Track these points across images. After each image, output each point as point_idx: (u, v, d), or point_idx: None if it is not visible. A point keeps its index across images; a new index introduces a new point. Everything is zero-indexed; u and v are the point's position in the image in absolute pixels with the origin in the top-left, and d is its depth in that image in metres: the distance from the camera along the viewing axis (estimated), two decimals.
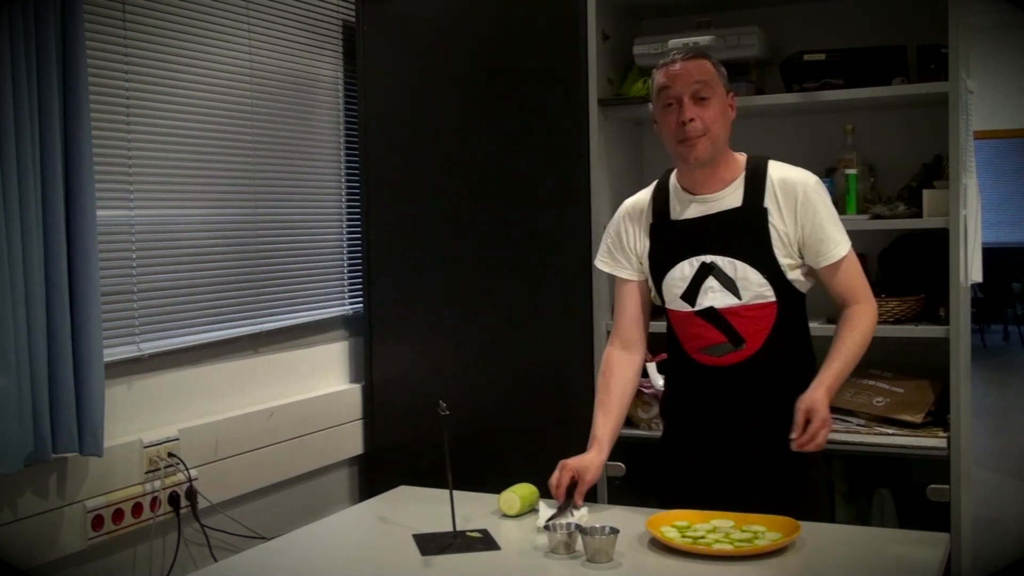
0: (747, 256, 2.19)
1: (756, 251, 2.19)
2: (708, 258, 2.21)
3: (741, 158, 2.29)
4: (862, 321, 2.22)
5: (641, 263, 2.35)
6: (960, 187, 2.90)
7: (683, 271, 2.24)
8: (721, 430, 2.28)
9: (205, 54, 2.99)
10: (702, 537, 2.02)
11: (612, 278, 2.44)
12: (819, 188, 2.23)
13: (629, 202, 2.40)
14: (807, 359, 2.31)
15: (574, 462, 2.24)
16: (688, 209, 2.27)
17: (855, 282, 2.25)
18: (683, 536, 2.03)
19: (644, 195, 2.39)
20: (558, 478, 2.21)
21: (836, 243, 2.21)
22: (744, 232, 2.20)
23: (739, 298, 2.20)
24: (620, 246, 2.37)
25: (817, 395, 2.11)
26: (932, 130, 3.05)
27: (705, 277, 2.21)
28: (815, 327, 2.40)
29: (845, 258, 2.23)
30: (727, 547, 1.97)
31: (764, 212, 2.19)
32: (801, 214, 2.19)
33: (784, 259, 2.19)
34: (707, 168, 2.23)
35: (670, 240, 2.28)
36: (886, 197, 3.15)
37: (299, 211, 3.38)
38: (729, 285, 2.20)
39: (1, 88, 2.22)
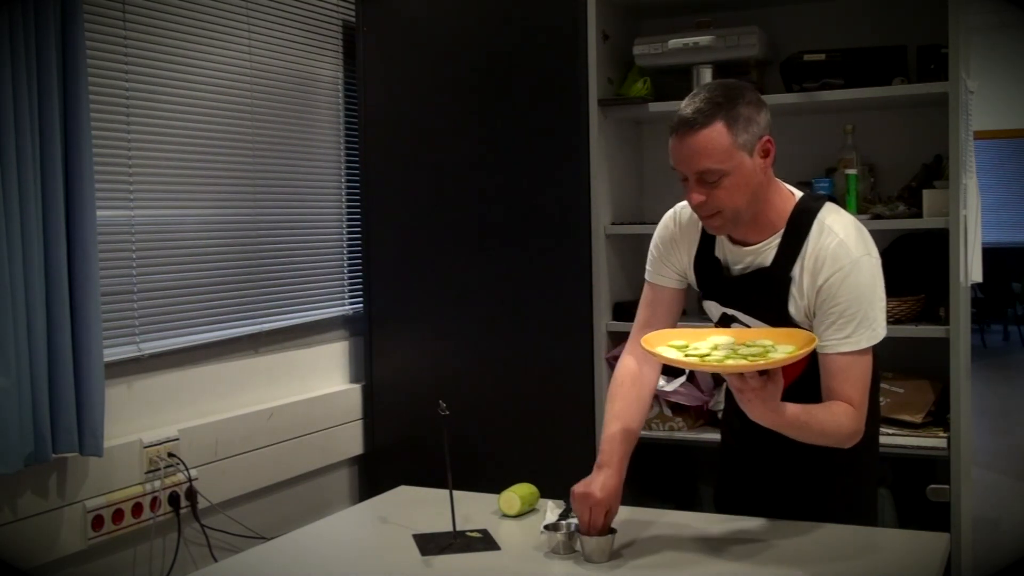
0: (765, 318, 2.05)
1: (774, 315, 2.02)
2: (730, 311, 2.11)
3: (789, 202, 2.03)
4: (844, 419, 1.93)
5: (685, 275, 2.18)
6: (960, 187, 2.90)
7: (711, 309, 2.16)
8: (747, 442, 2.23)
9: (205, 54, 2.99)
10: (707, 355, 1.80)
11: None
12: (855, 273, 1.94)
13: (686, 214, 2.14)
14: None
15: (600, 495, 1.97)
16: (727, 254, 2.10)
17: (845, 390, 1.94)
18: (687, 356, 1.80)
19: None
20: (590, 518, 1.95)
21: (844, 337, 1.94)
22: (764, 295, 2.04)
23: None
24: (667, 257, 2.18)
25: (773, 405, 1.82)
26: (932, 130, 3.05)
27: (728, 325, 2.10)
28: None
29: (845, 356, 1.94)
30: (740, 361, 1.73)
31: (788, 281, 1.99)
32: (822, 293, 1.96)
33: (805, 325, 2.01)
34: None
35: (707, 274, 2.14)
36: (886, 197, 3.15)
37: (299, 211, 3.38)
38: None
39: (1, 88, 2.22)
